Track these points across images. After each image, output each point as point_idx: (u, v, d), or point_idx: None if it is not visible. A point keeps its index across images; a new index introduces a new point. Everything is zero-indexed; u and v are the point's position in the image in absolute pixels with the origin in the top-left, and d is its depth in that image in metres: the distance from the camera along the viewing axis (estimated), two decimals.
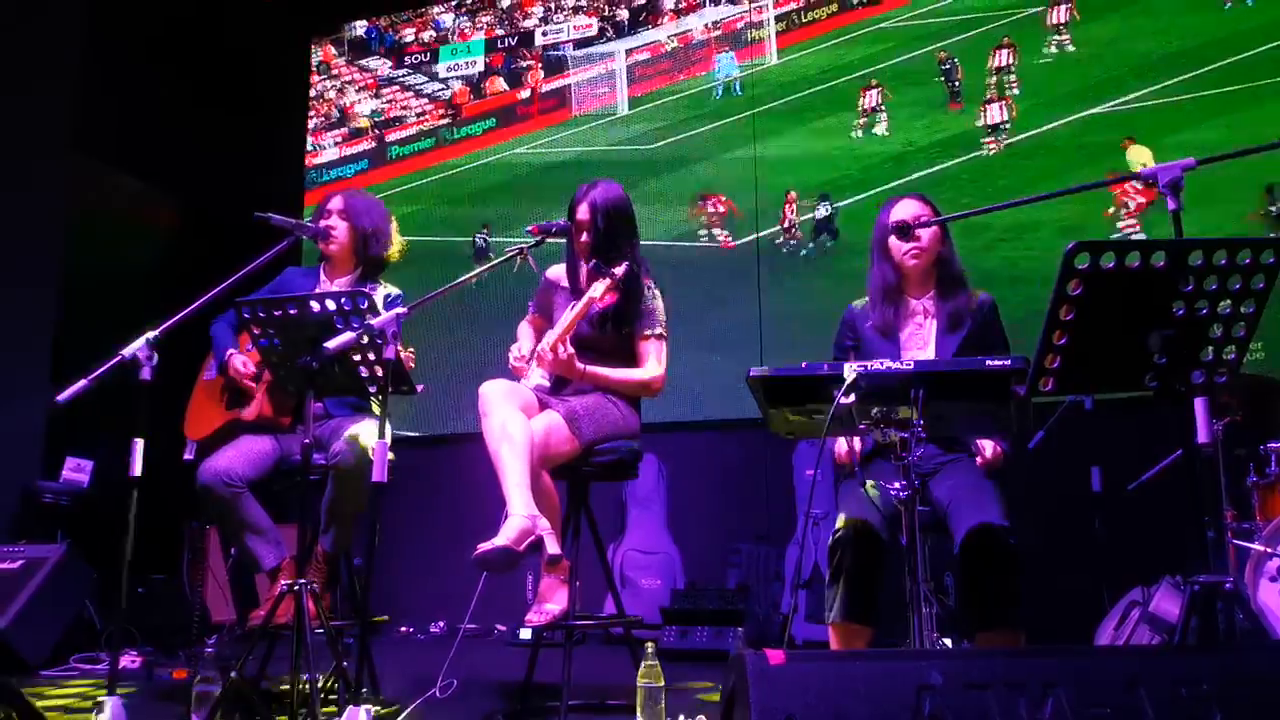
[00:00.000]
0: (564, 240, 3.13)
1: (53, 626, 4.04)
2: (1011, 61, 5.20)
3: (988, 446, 2.65)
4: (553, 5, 6.40)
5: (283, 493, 3.15)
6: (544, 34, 6.27)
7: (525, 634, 4.62)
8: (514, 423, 2.72)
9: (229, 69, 6.27)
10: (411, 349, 2.89)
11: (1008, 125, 5.13)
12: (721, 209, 5.63)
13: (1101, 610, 3.29)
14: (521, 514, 2.62)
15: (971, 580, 2.44)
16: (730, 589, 4.68)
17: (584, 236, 3.03)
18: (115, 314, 4.03)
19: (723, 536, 5.05)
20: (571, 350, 2.86)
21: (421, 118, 6.56)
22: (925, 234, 2.73)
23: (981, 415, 2.32)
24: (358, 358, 2.62)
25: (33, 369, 4.94)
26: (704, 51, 5.95)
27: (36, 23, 5.34)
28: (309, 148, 6.68)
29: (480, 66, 6.40)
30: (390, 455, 2.50)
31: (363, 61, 6.75)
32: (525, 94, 6.36)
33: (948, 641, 2.65)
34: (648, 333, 3.02)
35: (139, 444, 2.68)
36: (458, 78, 6.44)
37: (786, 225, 5.40)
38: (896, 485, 2.21)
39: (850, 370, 2.12)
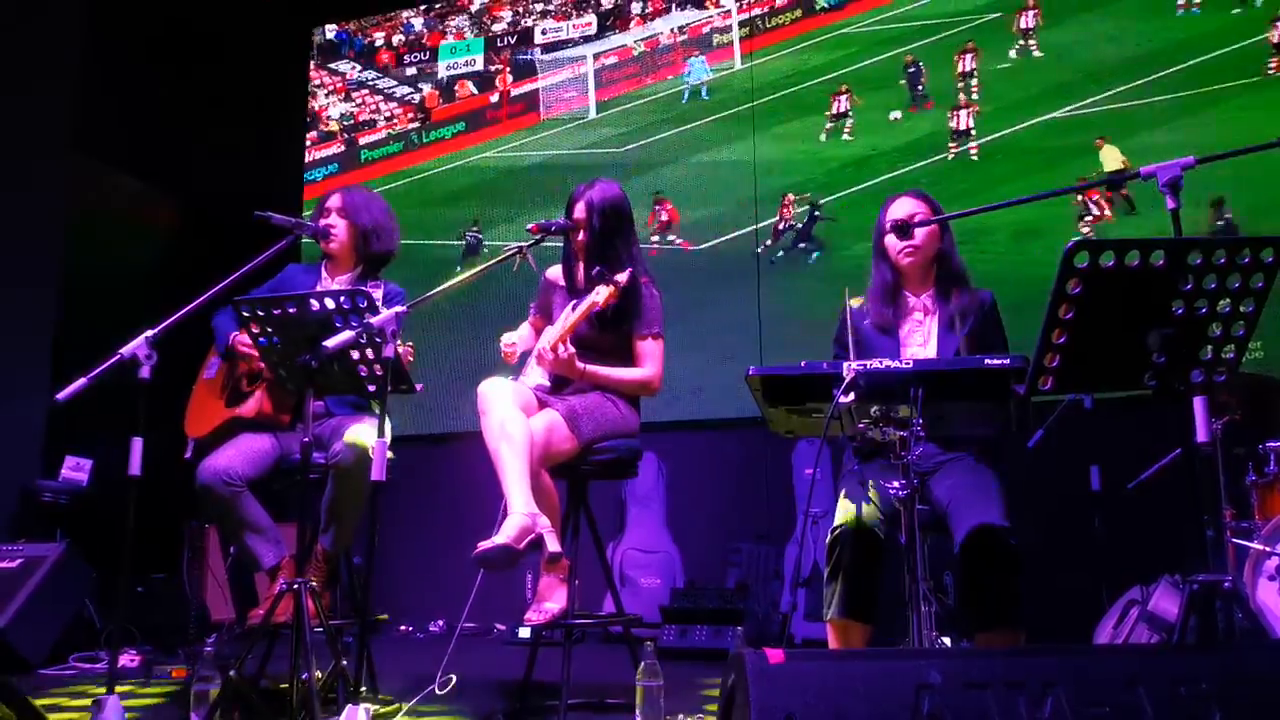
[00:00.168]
0: (563, 241, 3.14)
1: (52, 625, 4.04)
2: (975, 66, 5.27)
3: None
4: (521, 10, 6.44)
5: (282, 491, 3.15)
6: (544, 33, 6.27)
7: (524, 633, 4.62)
8: (513, 421, 2.72)
9: (229, 68, 6.26)
10: (410, 344, 2.89)
11: (973, 130, 5.20)
12: (665, 216, 5.72)
13: (1100, 609, 3.29)
14: (521, 512, 2.62)
15: (972, 581, 2.44)
16: (730, 588, 4.68)
17: (581, 235, 3.04)
18: (115, 314, 4.03)
19: (722, 535, 5.05)
20: (572, 350, 2.86)
21: (391, 121, 6.58)
22: (921, 232, 2.72)
23: (981, 414, 2.32)
24: (357, 356, 2.62)
25: (33, 368, 4.93)
26: (671, 56, 6.01)
27: (36, 23, 5.34)
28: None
29: (479, 66, 6.40)
30: (390, 454, 2.50)
31: (333, 64, 6.75)
32: (495, 98, 6.40)
33: (947, 640, 2.65)
34: (645, 332, 3.02)
35: (138, 443, 2.68)
36: (458, 76, 6.44)
37: (783, 226, 5.41)
38: (896, 484, 2.21)
39: (849, 369, 2.12)
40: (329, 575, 3.03)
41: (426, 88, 6.55)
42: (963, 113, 5.22)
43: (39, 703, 2.40)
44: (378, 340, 2.55)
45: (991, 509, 2.41)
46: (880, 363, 2.14)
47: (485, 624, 5.21)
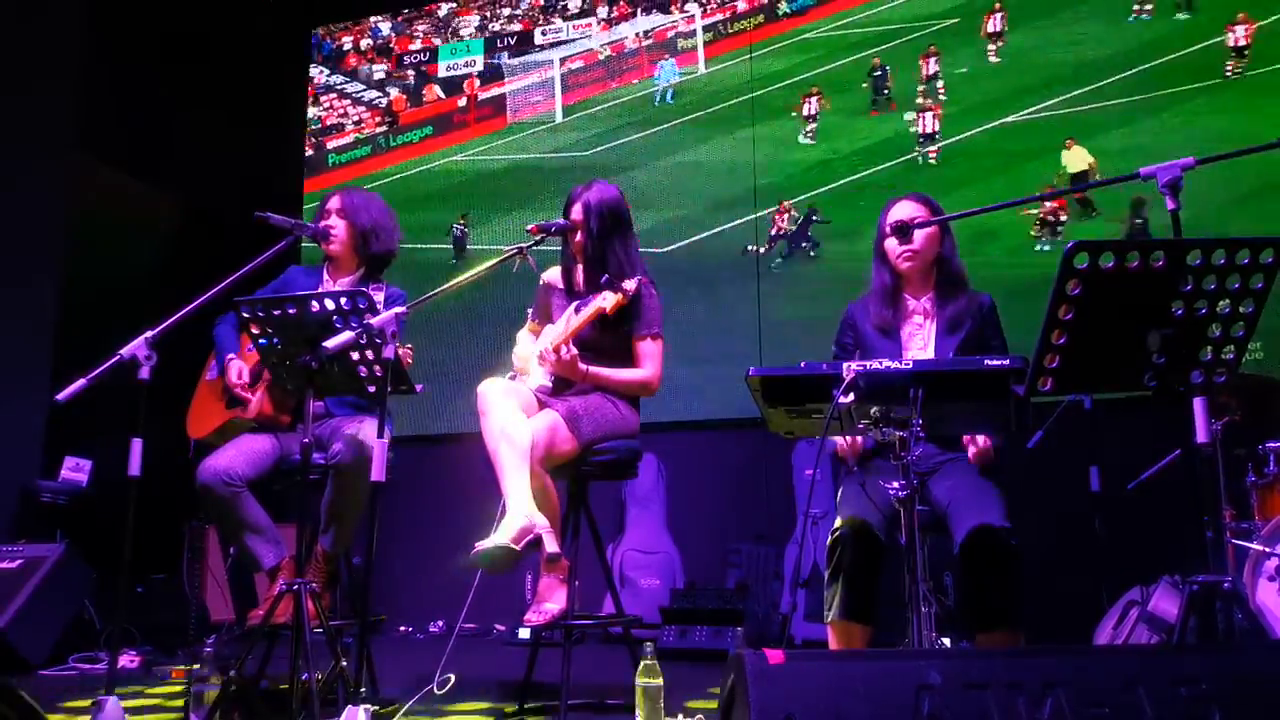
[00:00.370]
0: (561, 243, 3.14)
1: (52, 626, 4.04)
2: (938, 70, 5.34)
3: (979, 438, 2.65)
4: (488, 14, 6.47)
5: (282, 492, 3.15)
6: (543, 33, 6.28)
7: (524, 633, 4.63)
8: (513, 422, 2.72)
9: (229, 69, 6.27)
10: (409, 345, 2.89)
11: (938, 134, 5.27)
12: None
13: (1100, 610, 3.29)
14: (520, 513, 2.62)
15: (972, 582, 2.44)
16: (729, 589, 4.68)
17: (578, 236, 3.04)
18: (115, 314, 4.03)
19: (722, 536, 5.05)
20: (574, 352, 2.86)
21: (359, 125, 6.61)
22: (920, 236, 2.72)
23: (980, 415, 2.33)
24: (357, 357, 2.62)
25: (33, 369, 4.93)
26: (636, 60, 6.06)
27: (37, 23, 5.34)
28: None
29: (480, 66, 6.40)
30: (390, 455, 2.50)
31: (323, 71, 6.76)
32: (462, 102, 6.43)
33: (947, 641, 2.65)
34: (645, 333, 3.02)
35: (138, 443, 2.68)
36: (459, 77, 6.44)
37: (776, 232, 5.45)
38: (895, 485, 2.21)
39: (849, 370, 2.12)
40: (329, 576, 3.03)
41: (394, 92, 6.59)
42: (927, 115, 5.28)
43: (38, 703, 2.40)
44: (378, 341, 2.55)
45: (991, 509, 2.41)
46: (880, 363, 2.14)
47: (485, 624, 5.21)
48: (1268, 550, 3.12)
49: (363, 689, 2.44)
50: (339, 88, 6.71)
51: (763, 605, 4.73)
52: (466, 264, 5.91)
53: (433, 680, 2.86)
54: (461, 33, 6.51)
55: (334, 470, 2.95)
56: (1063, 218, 4.93)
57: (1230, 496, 3.33)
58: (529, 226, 3.03)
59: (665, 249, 5.57)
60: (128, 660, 3.99)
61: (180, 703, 3.08)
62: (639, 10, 6.10)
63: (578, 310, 2.95)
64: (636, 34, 6.06)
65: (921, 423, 2.13)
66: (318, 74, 6.77)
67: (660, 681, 2.43)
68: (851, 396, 2.11)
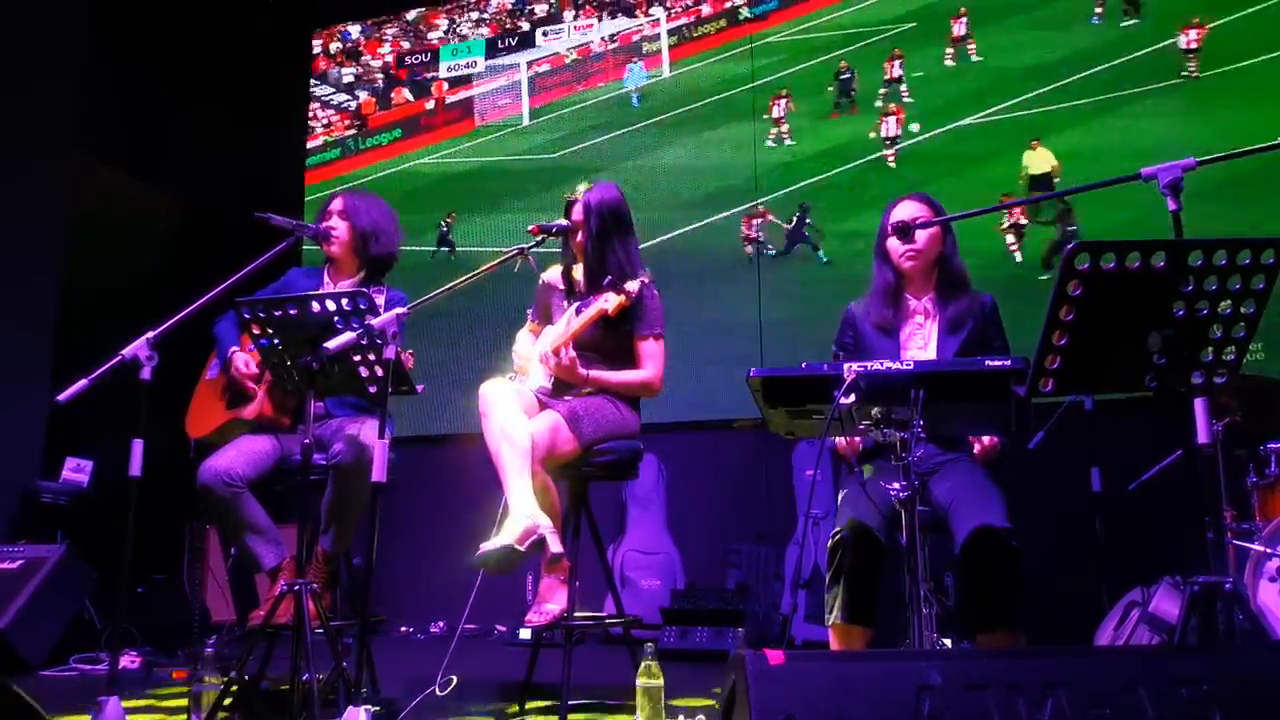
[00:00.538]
0: (561, 243, 3.15)
1: (52, 626, 4.04)
2: (900, 74, 5.41)
3: (984, 436, 2.65)
4: (456, 17, 6.51)
5: (283, 493, 3.15)
6: (544, 34, 6.28)
7: (525, 634, 4.62)
8: (514, 423, 2.72)
9: (229, 68, 6.27)
10: (411, 350, 2.89)
11: (900, 136, 5.34)
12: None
13: (1101, 610, 3.28)
14: (522, 513, 2.62)
15: (973, 582, 2.44)
16: (730, 589, 4.68)
17: (579, 236, 3.04)
18: (115, 314, 4.03)
19: (722, 537, 5.05)
20: (574, 355, 2.86)
21: (329, 128, 6.63)
22: (923, 236, 2.73)
23: (981, 415, 2.32)
24: (358, 358, 2.62)
25: (33, 369, 4.93)
26: (602, 64, 6.12)
27: (36, 23, 5.34)
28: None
29: (480, 68, 6.41)
30: (391, 455, 2.50)
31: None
32: (430, 105, 6.48)
33: (947, 642, 2.65)
34: (647, 333, 3.02)
35: (138, 444, 2.68)
36: (457, 78, 6.45)
37: (754, 235, 5.49)
38: (896, 485, 2.22)
39: (850, 370, 2.12)
40: (329, 576, 3.03)
41: (363, 95, 6.62)
42: (890, 119, 5.35)
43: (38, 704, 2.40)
44: (378, 342, 2.55)
45: (992, 510, 2.41)
46: (881, 364, 2.14)
47: (486, 625, 5.21)
48: (1269, 551, 3.12)
49: (363, 689, 2.45)
50: (309, 91, 6.77)
51: (763, 606, 4.73)
52: (455, 260, 6.00)
53: (433, 680, 2.86)
54: (430, 37, 6.57)
55: (334, 471, 2.95)
56: (1023, 222, 4.99)
57: (1231, 497, 3.33)
58: (530, 227, 3.04)
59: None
60: (128, 661, 3.99)
61: (183, 702, 3.08)
62: (604, 14, 6.16)
63: (578, 311, 2.95)
64: (603, 37, 6.12)
65: (923, 423, 2.13)
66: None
67: (661, 682, 2.43)
68: (852, 397, 2.11)
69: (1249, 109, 4.67)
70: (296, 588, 2.51)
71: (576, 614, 2.87)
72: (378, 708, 2.58)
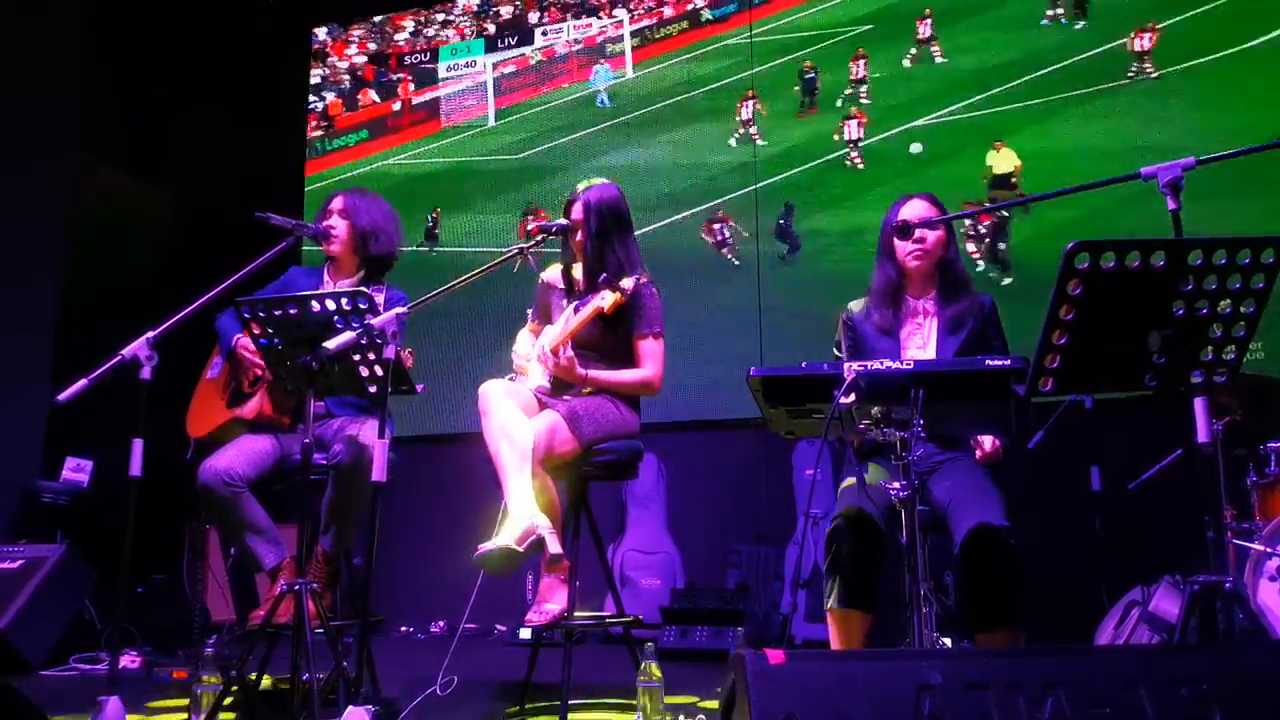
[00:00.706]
0: (561, 243, 3.14)
1: (52, 626, 4.03)
2: (864, 75, 5.49)
3: (986, 440, 2.65)
4: (423, 19, 6.56)
5: (283, 492, 3.15)
6: (544, 34, 6.29)
7: (525, 634, 4.63)
8: (514, 422, 2.72)
9: (229, 68, 6.27)
10: (410, 349, 2.89)
11: (861, 139, 5.40)
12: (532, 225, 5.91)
13: (1101, 610, 3.29)
14: (522, 514, 2.62)
15: (972, 581, 2.44)
16: (730, 589, 4.68)
17: (579, 236, 3.04)
18: (115, 314, 4.03)
19: (722, 536, 5.05)
20: (572, 354, 2.86)
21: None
22: (930, 235, 2.73)
23: (981, 415, 2.33)
24: (358, 357, 2.62)
25: (33, 369, 4.93)
26: (566, 65, 6.18)
27: (37, 23, 5.34)
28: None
29: (480, 67, 6.42)
30: (391, 455, 2.50)
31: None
32: (397, 106, 6.53)
33: (947, 641, 2.65)
34: (646, 332, 3.02)
35: (138, 444, 2.68)
36: (458, 77, 6.46)
37: (716, 241, 5.54)
38: (896, 485, 2.22)
39: (850, 370, 2.12)
40: (330, 576, 3.03)
41: (330, 96, 6.65)
42: (853, 122, 5.42)
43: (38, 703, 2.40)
44: (378, 341, 2.55)
45: (992, 509, 2.41)
46: (881, 364, 2.14)
47: (486, 625, 5.21)
48: (1268, 550, 3.12)
49: (363, 689, 2.45)
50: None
51: (763, 605, 4.73)
52: (435, 256, 6.08)
53: (434, 680, 2.86)
54: (398, 39, 6.62)
55: (334, 470, 2.95)
56: (982, 227, 5.07)
57: (1231, 496, 3.33)
58: (530, 226, 3.04)
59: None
60: (128, 661, 3.99)
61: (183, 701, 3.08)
62: (569, 16, 6.22)
63: (576, 311, 2.95)
64: (567, 39, 6.20)
65: (922, 423, 2.13)
66: None
67: (660, 682, 2.43)
68: (853, 397, 2.11)
69: (1201, 109, 4.76)
70: (296, 587, 2.51)
71: (576, 614, 2.87)
72: (378, 707, 2.59)
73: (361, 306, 2.58)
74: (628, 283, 2.84)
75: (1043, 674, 1.56)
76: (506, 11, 6.36)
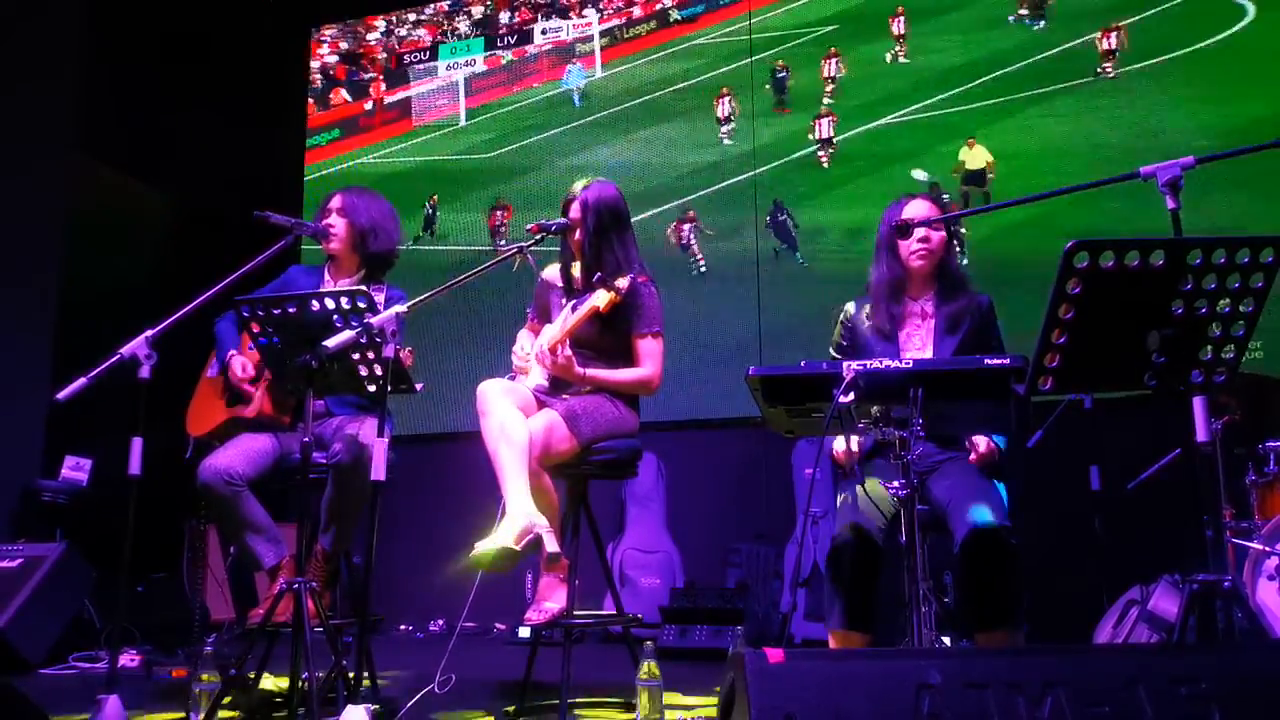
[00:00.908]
0: (560, 241, 3.14)
1: (51, 625, 4.04)
2: (833, 74, 5.57)
3: (981, 442, 2.65)
4: (394, 19, 6.60)
5: (282, 491, 3.15)
6: (543, 32, 6.30)
7: (524, 632, 4.63)
8: (512, 421, 2.72)
9: (229, 68, 6.27)
10: (410, 348, 2.89)
11: (834, 137, 5.47)
12: (502, 219, 6.03)
13: (1100, 609, 3.29)
14: (520, 512, 2.62)
15: (972, 581, 2.44)
16: (729, 588, 4.68)
17: (577, 234, 3.04)
18: (115, 314, 4.03)
19: (722, 535, 5.05)
20: (570, 353, 2.86)
21: None
22: (935, 235, 2.73)
23: (980, 414, 2.32)
24: (357, 356, 2.62)
25: (32, 368, 4.93)
26: (537, 65, 6.25)
27: (37, 23, 5.34)
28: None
29: (480, 66, 6.42)
30: (390, 454, 2.50)
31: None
32: (369, 105, 6.58)
33: (947, 640, 2.65)
34: (645, 331, 3.01)
35: (138, 442, 2.68)
36: (480, 74, 6.47)
37: (682, 243, 5.58)
38: (895, 484, 2.22)
39: (849, 369, 2.12)
40: (329, 575, 3.03)
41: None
42: (824, 121, 5.49)
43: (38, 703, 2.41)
44: (378, 340, 2.55)
45: (992, 509, 2.41)
46: (880, 363, 2.14)
47: (485, 624, 5.21)
48: (1267, 549, 3.13)
49: (363, 688, 2.45)
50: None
51: (763, 604, 4.73)
52: (436, 255, 6.12)
53: (432, 678, 2.86)
54: (369, 39, 6.66)
55: (334, 470, 2.95)
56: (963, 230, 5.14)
57: (1230, 496, 3.33)
58: (528, 226, 3.04)
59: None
60: (128, 660, 3.99)
61: (180, 702, 3.08)
62: (540, 16, 6.27)
63: (574, 310, 2.95)
64: (561, 37, 6.25)
65: (921, 422, 2.13)
66: None
67: (660, 681, 2.43)
68: (851, 396, 2.11)
69: (1167, 108, 4.84)
70: (296, 586, 2.51)
71: (576, 612, 2.87)
72: (377, 706, 2.59)
73: (361, 305, 2.58)
74: (623, 281, 2.83)
75: (1042, 673, 1.56)
76: (478, 12, 6.41)
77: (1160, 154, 2.13)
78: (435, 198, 6.24)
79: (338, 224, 3.27)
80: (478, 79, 6.35)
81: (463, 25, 6.43)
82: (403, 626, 5.39)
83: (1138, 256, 1.89)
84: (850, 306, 2.89)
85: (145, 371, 2.66)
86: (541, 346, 2.90)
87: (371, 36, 6.63)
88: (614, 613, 3.06)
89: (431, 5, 6.59)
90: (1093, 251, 1.89)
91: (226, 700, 2.60)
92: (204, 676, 2.58)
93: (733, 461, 5.26)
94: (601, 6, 6.13)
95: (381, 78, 6.55)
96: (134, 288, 5.44)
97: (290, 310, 2.62)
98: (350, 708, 2.30)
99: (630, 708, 2.44)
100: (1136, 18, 5.00)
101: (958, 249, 4.88)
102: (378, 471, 2.48)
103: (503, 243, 5.97)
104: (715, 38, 5.88)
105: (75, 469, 4.86)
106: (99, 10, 5.47)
